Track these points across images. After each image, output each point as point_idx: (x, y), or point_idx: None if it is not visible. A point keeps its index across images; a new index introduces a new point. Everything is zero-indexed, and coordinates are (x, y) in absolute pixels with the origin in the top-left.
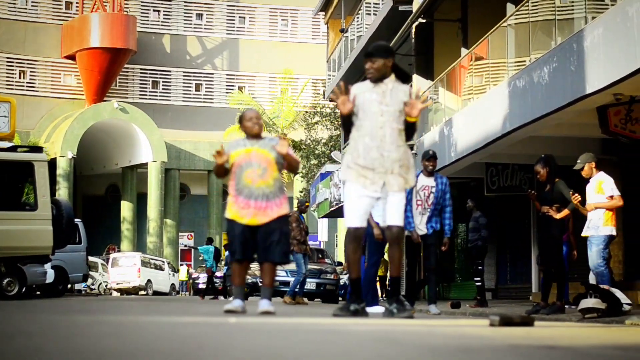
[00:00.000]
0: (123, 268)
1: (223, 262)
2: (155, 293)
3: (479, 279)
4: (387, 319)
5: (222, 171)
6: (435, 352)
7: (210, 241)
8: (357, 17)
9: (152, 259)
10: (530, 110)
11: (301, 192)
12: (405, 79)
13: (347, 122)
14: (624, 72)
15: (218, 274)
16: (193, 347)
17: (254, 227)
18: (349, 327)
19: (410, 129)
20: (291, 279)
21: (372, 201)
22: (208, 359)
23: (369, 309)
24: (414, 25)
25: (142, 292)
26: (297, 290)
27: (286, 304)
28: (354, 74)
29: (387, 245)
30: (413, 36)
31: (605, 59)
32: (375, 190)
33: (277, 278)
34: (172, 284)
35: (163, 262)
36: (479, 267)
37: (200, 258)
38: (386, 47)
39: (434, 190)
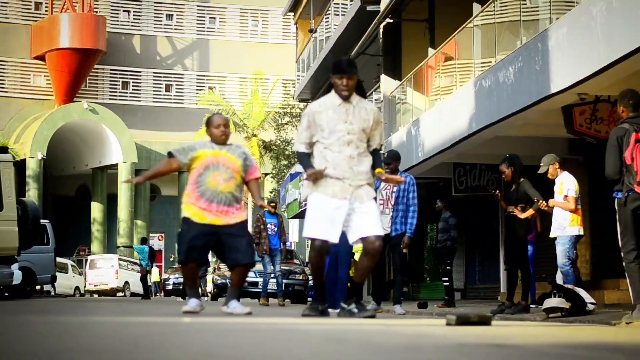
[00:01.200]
0: (101, 270)
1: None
2: (133, 295)
3: (447, 279)
4: (347, 319)
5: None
6: (378, 350)
7: (144, 241)
8: (326, 17)
9: (130, 261)
10: (496, 110)
11: (271, 192)
12: (363, 94)
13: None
14: (588, 71)
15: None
16: (129, 346)
17: (215, 229)
18: (302, 327)
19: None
20: (259, 280)
21: (340, 213)
22: (139, 357)
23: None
24: (381, 25)
25: (120, 294)
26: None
27: (263, 305)
28: (323, 74)
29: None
30: (381, 36)
31: (570, 58)
32: (343, 200)
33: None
34: (149, 286)
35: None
36: (448, 267)
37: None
38: (355, 63)
39: (395, 189)
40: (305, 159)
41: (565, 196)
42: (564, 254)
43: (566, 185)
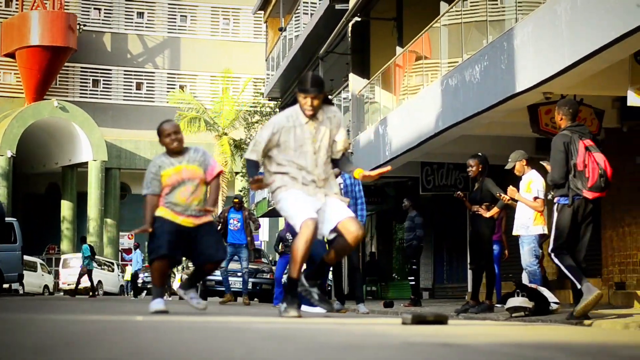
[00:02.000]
0: (74, 269)
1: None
2: (106, 293)
3: (412, 278)
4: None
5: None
6: (317, 349)
7: (84, 240)
8: (296, 16)
9: (103, 260)
10: (462, 109)
11: (241, 191)
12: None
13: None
14: (553, 70)
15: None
16: (61, 343)
17: (185, 230)
18: (252, 325)
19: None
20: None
21: (315, 203)
22: (63, 354)
23: (315, 309)
24: (350, 24)
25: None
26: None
27: (225, 302)
28: (293, 73)
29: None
30: (349, 35)
31: (535, 57)
32: (316, 200)
33: (213, 277)
34: (122, 285)
35: (112, 263)
36: (414, 267)
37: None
38: (322, 81)
39: (342, 186)
40: (253, 167)
41: (536, 197)
42: (531, 253)
43: (535, 185)
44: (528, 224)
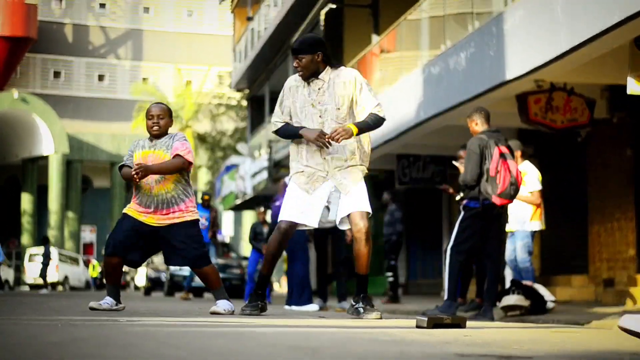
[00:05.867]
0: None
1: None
2: (72, 288)
3: (391, 274)
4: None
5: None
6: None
7: (45, 240)
8: (265, 4)
9: (69, 255)
10: (445, 98)
11: (206, 184)
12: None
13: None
14: (547, 57)
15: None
16: None
17: (151, 229)
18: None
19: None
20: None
21: (311, 203)
22: None
23: (304, 308)
24: (323, 11)
25: (60, 288)
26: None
27: (184, 299)
28: (261, 63)
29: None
30: (322, 23)
31: (527, 43)
32: (320, 197)
33: (181, 273)
34: (87, 280)
35: (78, 257)
36: (392, 263)
37: None
38: (312, 41)
39: None
40: (289, 126)
41: (531, 191)
42: (524, 249)
43: (530, 177)
44: (525, 219)
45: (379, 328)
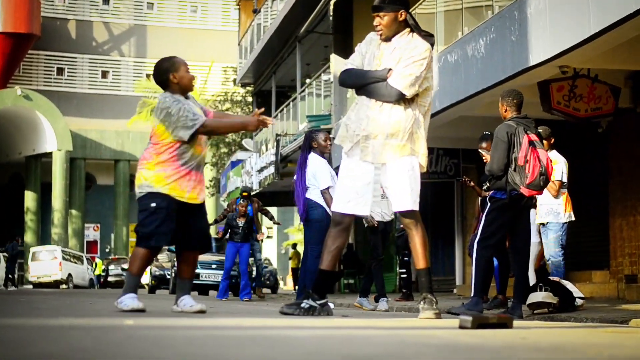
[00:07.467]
0: (44, 262)
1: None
2: (76, 287)
3: (404, 270)
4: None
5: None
6: None
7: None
8: None
9: (73, 253)
10: (463, 86)
11: (211, 181)
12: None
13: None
14: (573, 41)
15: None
16: None
17: (186, 207)
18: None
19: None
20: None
21: (364, 180)
22: None
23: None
24: (331, 2)
25: (64, 286)
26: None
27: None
28: (268, 57)
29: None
30: (331, 13)
31: (553, 26)
32: (367, 163)
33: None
34: (91, 279)
35: (82, 256)
36: (405, 259)
37: None
38: None
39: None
40: (358, 70)
41: (558, 181)
42: (557, 242)
43: (559, 167)
44: (558, 210)
45: (418, 329)
